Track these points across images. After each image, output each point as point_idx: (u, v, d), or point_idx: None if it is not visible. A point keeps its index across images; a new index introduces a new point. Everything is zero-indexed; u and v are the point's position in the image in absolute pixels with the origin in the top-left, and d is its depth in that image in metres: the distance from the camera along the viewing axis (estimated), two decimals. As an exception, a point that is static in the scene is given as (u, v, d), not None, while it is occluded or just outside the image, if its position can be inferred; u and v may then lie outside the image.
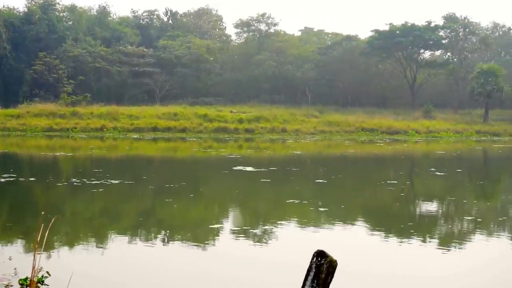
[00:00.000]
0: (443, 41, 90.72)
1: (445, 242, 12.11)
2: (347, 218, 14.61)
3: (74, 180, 20.29)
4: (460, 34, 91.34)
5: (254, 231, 12.74)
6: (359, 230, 13.30)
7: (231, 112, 64.97)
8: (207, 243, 11.75)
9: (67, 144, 41.99)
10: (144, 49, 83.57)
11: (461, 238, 12.76)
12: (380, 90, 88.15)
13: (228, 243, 11.74)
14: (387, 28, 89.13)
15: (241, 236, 12.14)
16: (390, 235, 12.75)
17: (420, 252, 11.10)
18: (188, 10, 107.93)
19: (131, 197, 17.94)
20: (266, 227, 13.17)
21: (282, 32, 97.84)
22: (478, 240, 12.47)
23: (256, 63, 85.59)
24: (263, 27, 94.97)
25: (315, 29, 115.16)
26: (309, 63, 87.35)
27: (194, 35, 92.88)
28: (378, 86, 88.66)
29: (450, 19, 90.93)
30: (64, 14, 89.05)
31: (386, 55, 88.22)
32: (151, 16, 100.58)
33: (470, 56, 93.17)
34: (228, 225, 13.58)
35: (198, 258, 10.42)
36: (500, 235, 13.08)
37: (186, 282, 9.02)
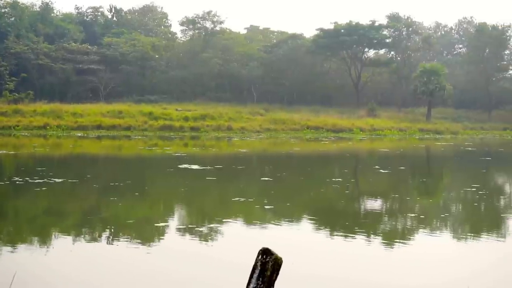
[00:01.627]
0: (387, 40, 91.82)
1: (390, 238, 12.28)
2: (293, 216, 14.69)
3: (16, 179, 19.95)
4: (404, 33, 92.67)
5: (200, 229, 12.71)
6: (305, 228, 13.39)
7: (177, 110, 64.65)
8: (153, 242, 11.68)
9: (9, 142, 41.24)
10: (88, 46, 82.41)
11: (405, 234, 12.96)
12: (325, 88, 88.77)
13: (174, 241, 11.70)
14: (332, 27, 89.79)
15: (187, 235, 12.10)
16: (335, 232, 12.87)
17: (364, 249, 11.23)
18: (132, 7, 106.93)
19: (75, 196, 17.72)
20: (212, 225, 13.15)
21: (228, 30, 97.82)
22: (422, 236, 12.68)
23: (202, 60, 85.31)
24: (208, 25, 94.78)
25: (261, 27, 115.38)
26: (255, 61, 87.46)
27: (139, 32, 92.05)
28: (323, 85, 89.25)
29: (394, 19, 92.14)
30: (6, 10, 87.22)
31: (331, 54, 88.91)
32: (96, 13, 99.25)
33: (413, 55, 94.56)
34: (174, 223, 13.53)
35: (143, 257, 10.35)
36: (442, 231, 13.32)
37: (132, 281, 8.97)
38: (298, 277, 9.04)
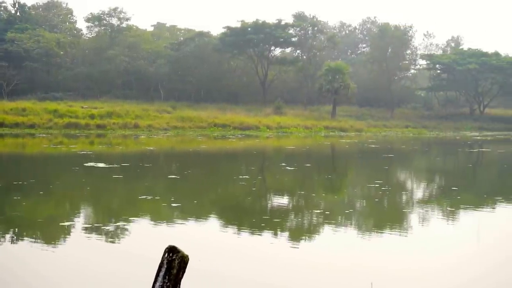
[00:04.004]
0: (293, 39, 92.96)
1: (296, 235, 12.45)
2: (200, 213, 14.70)
3: None
4: (309, 32, 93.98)
5: (107, 228, 12.57)
6: (212, 225, 13.43)
7: (82, 107, 63.54)
8: (58, 241, 11.48)
9: None
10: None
11: (311, 230, 13.17)
12: (232, 86, 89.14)
13: (80, 240, 11.50)
14: (239, 25, 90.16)
15: (93, 233, 11.94)
16: (242, 229, 12.95)
17: (271, 245, 11.34)
18: (36, 3, 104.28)
19: (-25, 196, 17.20)
20: (118, 223, 13.02)
21: (135, 27, 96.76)
22: (327, 232, 12.92)
23: (108, 58, 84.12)
24: (114, 21, 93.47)
25: (168, 25, 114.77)
26: (162, 58, 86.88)
27: (44, 28, 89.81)
28: (230, 82, 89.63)
29: (300, 18, 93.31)
30: None
31: (238, 52, 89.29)
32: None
33: (318, 54, 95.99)
34: (79, 222, 13.31)
35: (48, 256, 10.17)
36: (347, 226, 13.60)
37: (37, 281, 8.81)
38: (205, 275, 9.06)
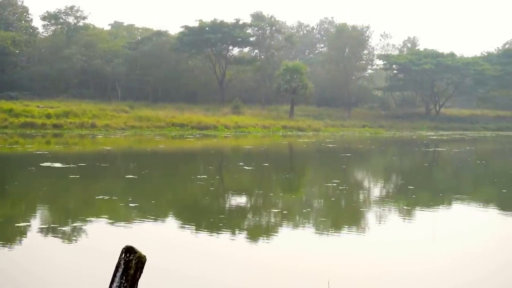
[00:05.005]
0: (251, 39, 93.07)
1: (253, 234, 12.47)
2: (158, 213, 14.64)
3: None
4: (267, 32, 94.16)
5: (63, 228, 12.45)
6: (170, 225, 13.39)
7: (38, 107, 62.67)
8: (14, 242, 11.33)
9: None
10: None
11: (269, 230, 13.20)
12: (190, 85, 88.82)
13: (36, 241, 11.37)
14: (196, 24, 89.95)
15: (49, 234, 11.81)
16: (200, 229, 12.93)
17: (229, 245, 11.35)
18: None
19: None
20: (75, 224, 12.90)
21: (92, 26, 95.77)
22: (285, 231, 12.98)
23: (65, 57, 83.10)
24: (71, 20, 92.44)
25: (125, 24, 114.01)
26: (119, 57, 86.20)
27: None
28: (188, 82, 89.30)
29: (258, 18, 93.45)
30: None
31: (196, 51, 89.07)
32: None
33: (276, 53, 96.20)
34: (36, 223, 13.14)
35: (3, 258, 10.05)
36: (305, 226, 13.66)
37: (-10, 284, 8.70)
38: (163, 275, 9.04)
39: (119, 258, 5.26)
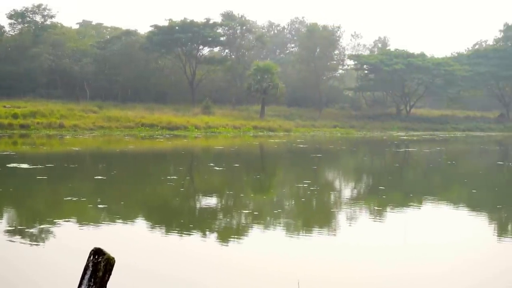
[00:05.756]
0: (222, 38, 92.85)
1: (224, 235, 12.39)
2: (127, 215, 14.48)
3: None
4: (238, 32, 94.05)
5: (31, 230, 12.24)
6: (139, 226, 13.24)
7: (5, 107, 61.85)
8: (-22, 245, 11.10)
9: None
10: None
11: (239, 231, 13.12)
12: (160, 85, 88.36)
13: (1, 244, 11.15)
14: (166, 23, 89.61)
15: (16, 236, 11.59)
16: (170, 230, 12.81)
17: (199, 246, 11.26)
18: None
19: None
20: (43, 226, 12.69)
21: (59, 25, 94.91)
22: (255, 232, 12.90)
23: (32, 56, 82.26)
24: (38, 18, 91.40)
25: (94, 23, 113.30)
26: (88, 57, 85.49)
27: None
28: (158, 82, 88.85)
29: (228, 17, 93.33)
30: None
31: (165, 51, 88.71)
32: None
33: (247, 53, 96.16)
34: (2, 225, 12.89)
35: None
36: (275, 227, 13.58)
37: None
38: (132, 276, 8.91)
39: (87, 260, 5.16)
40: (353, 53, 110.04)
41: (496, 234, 13.37)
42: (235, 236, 12.34)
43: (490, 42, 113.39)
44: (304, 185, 20.39)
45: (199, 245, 11.35)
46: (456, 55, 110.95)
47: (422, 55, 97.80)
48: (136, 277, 9.01)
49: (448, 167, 30.70)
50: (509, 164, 33.74)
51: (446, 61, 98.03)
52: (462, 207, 17.31)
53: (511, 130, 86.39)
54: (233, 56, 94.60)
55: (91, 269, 5.11)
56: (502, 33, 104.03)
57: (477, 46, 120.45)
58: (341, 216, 14.97)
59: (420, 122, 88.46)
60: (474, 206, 17.18)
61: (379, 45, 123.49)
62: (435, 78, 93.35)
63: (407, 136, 67.94)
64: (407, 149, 45.86)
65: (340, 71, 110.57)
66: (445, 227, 13.83)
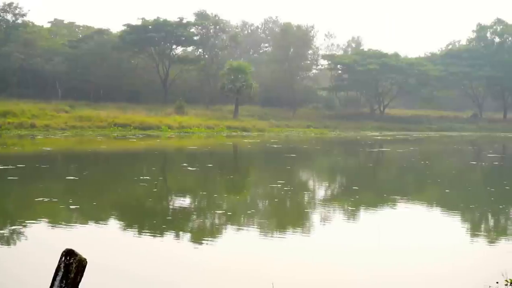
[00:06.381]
0: (195, 38, 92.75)
1: (197, 236, 12.32)
2: (99, 215, 14.36)
3: None
4: (211, 31, 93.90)
5: (1, 231, 12.08)
6: (112, 227, 13.12)
7: (-25, 107, 61.33)
8: None
9: None
10: None
11: (213, 231, 13.06)
12: (133, 85, 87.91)
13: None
14: (139, 23, 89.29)
15: (-15, 238, 11.43)
16: (143, 231, 12.70)
17: (172, 247, 11.19)
18: None
19: None
20: (14, 227, 12.55)
21: (31, 23, 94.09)
22: (229, 232, 12.85)
23: (2, 55, 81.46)
24: (9, 17, 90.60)
25: (66, 22, 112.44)
26: (60, 56, 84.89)
27: None
28: (131, 81, 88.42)
29: (202, 17, 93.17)
30: None
31: (138, 50, 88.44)
32: None
33: (220, 53, 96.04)
34: (-30, 227, 12.72)
35: None
36: (249, 227, 13.52)
37: None
38: (105, 277, 8.82)
39: (59, 261, 5.11)
40: (327, 53, 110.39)
41: (469, 234, 13.43)
42: (209, 237, 12.27)
43: (463, 42, 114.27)
44: (278, 186, 20.35)
45: (172, 246, 11.28)
46: (430, 55, 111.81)
47: (396, 55, 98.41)
48: (109, 278, 8.92)
49: (422, 167, 30.84)
50: (482, 164, 34.00)
51: (420, 61, 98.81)
52: (436, 207, 17.39)
53: (484, 130, 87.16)
54: (206, 56, 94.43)
55: (62, 270, 5.06)
56: (475, 34, 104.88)
57: (450, 47, 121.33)
58: (315, 217, 14.96)
59: (394, 122, 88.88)
60: (448, 206, 17.25)
61: (353, 45, 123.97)
62: (408, 78, 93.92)
63: (381, 136, 68.29)
64: (381, 149, 46.07)
65: (314, 71, 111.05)
66: (419, 228, 13.86)
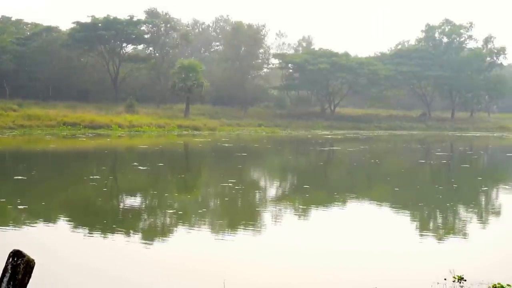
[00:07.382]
0: (145, 36, 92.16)
1: (148, 235, 12.28)
2: (48, 216, 14.18)
3: None
4: (162, 29, 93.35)
5: None
6: (61, 228, 12.97)
7: None
8: None
9: None
10: None
11: (164, 230, 13.03)
12: (82, 83, 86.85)
13: None
14: (89, 20, 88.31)
15: None
16: (93, 231, 12.58)
17: (123, 246, 11.11)
18: None
19: None
20: (-41, 228, 12.30)
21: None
22: (180, 232, 12.83)
23: None
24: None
25: (13, 19, 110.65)
26: (7, 54, 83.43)
27: None
28: (81, 79, 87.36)
29: (152, 15, 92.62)
30: None
31: (88, 48, 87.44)
32: None
33: (171, 51, 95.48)
34: None
35: None
36: (200, 226, 13.50)
37: None
38: (54, 278, 8.71)
39: (6, 262, 5.03)
40: (278, 52, 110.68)
41: (418, 232, 13.63)
42: (160, 236, 12.23)
43: (412, 42, 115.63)
44: (229, 184, 20.36)
45: (123, 245, 11.20)
46: (379, 54, 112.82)
47: (346, 54, 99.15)
48: (58, 279, 8.81)
49: (372, 166, 31.18)
50: (431, 162, 34.51)
51: (370, 60, 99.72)
52: (385, 206, 17.61)
53: (432, 129, 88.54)
54: (157, 54, 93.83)
55: (10, 271, 4.99)
56: (423, 34, 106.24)
57: (399, 46, 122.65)
58: (266, 216, 15.01)
59: (344, 121, 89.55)
60: (397, 204, 17.47)
61: (304, 44, 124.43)
62: (359, 78, 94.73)
63: (331, 135, 68.82)
64: (331, 148, 46.41)
65: (265, 70, 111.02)
66: (368, 226, 14.01)
